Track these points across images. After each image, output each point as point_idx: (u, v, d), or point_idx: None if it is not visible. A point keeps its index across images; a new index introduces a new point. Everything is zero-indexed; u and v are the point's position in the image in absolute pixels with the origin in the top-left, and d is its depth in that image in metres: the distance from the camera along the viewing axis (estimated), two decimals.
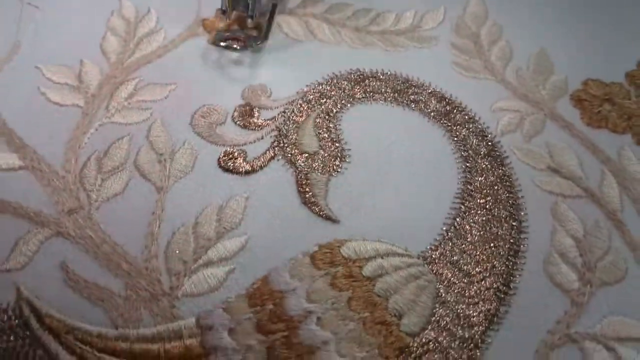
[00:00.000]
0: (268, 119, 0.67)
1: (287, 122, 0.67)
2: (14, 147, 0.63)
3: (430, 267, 0.57)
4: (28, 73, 0.69)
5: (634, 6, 0.86)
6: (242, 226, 0.58)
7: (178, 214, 0.59)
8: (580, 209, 0.62)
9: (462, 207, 0.61)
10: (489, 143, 0.67)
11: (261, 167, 0.63)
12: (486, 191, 0.62)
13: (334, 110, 0.69)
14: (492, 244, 0.58)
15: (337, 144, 0.66)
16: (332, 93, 0.70)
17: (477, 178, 0.63)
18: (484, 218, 0.60)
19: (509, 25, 0.80)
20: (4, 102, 0.67)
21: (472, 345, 0.53)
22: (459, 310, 0.55)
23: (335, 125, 0.67)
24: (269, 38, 0.76)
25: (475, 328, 0.54)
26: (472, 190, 0.62)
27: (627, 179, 0.65)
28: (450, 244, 0.58)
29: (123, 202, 0.59)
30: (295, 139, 0.66)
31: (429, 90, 0.71)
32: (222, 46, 0.74)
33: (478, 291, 0.55)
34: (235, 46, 0.74)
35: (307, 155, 0.64)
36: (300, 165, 0.64)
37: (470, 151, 0.66)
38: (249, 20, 0.73)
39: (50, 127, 0.64)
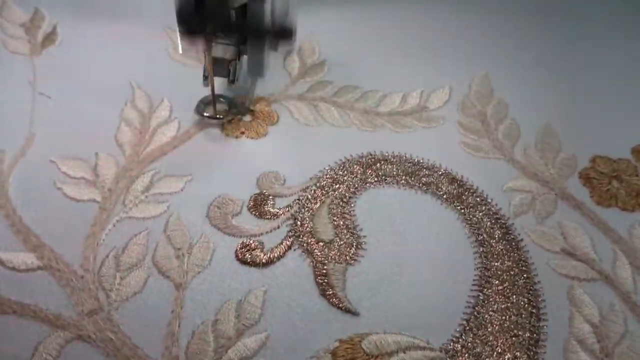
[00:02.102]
0: (283, 207, 0.68)
1: (302, 209, 0.68)
2: (30, 245, 0.63)
3: None
4: (43, 167, 0.70)
5: (637, 82, 0.89)
6: (261, 322, 0.58)
7: (197, 311, 0.59)
8: (595, 292, 0.62)
9: (481, 294, 0.61)
10: (503, 226, 0.67)
11: (278, 258, 0.64)
12: (503, 277, 0.63)
13: (348, 196, 0.70)
14: (512, 334, 0.58)
15: (352, 231, 0.66)
16: (345, 178, 0.71)
17: (493, 263, 0.64)
18: (503, 306, 0.60)
19: (515, 103, 0.82)
20: (20, 199, 0.67)
21: None
22: None
23: (350, 211, 0.68)
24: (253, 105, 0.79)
25: None
26: (489, 277, 0.63)
27: (639, 258, 0.65)
28: (471, 335, 0.58)
29: (142, 301, 0.59)
30: (311, 227, 0.66)
31: (440, 172, 0.72)
32: (205, 116, 0.76)
33: None
34: (219, 116, 0.76)
35: (323, 243, 0.65)
36: (317, 254, 0.64)
37: (484, 235, 0.66)
38: (230, 85, 0.75)
39: (68, 224, 0.65)
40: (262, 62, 0.72)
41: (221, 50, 0.72)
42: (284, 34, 0.70)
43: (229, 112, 0.77)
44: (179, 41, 0.69)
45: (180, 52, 0.77)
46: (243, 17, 0.68)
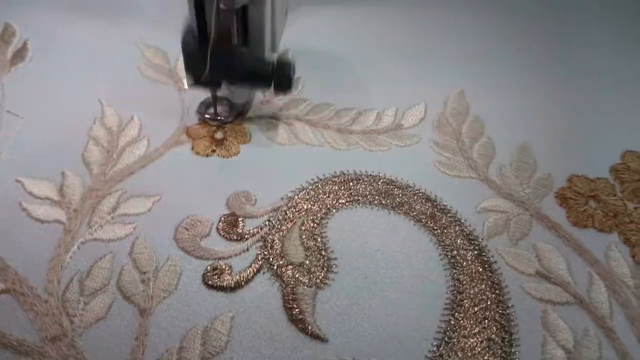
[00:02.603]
0: (253, 228, 0.67)
1: (273, 230, 0.67)
2: None
3: None
4: (9, 187, 0.69)
5: (616, 95, 0.88)
6: (227, 350, 0.57)
7: (162, 338, 0.57)
8: (569, 316, 0.61)
9: (452, 319, 0.60)
10: (477, 247, 0.66)
11: (247, 282, 0.62)
12: (476, 300, 0.61)
13: (320, 216, 0.68)
14: (484, 359, 0.58)
15: (323, 253, 0.65)
16: (317, 198, 0.70)
17: (465, 286, 0.63)
18: (474, 331, 0.59)
19: (491, 120, 0.82)
20: None
21: None
22: None
23: (321, 233, 0.67)
24: (252, 106, 0.80)
25: None
26: (461, 300, 0.61)
27: (616, 282, 0.64)
28: None
29: (106, 327, 0.58)
30: (281, 249, 0.65)
31: (414, 191, 0.71)
32: (207, 118, 0.77)
33: None
34: (220, 117, 0.76)
35: (293, 266, 0.64)
36: (287, 278, 0.63)
37: (458, 257, 0.65)
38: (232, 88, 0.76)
39: (33, 245, 0.63)
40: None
41: None
42: (283, 84, 0.71)
43: (230, 113, 0.77)
44: (185, 79, 0.72)
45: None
46: (244, 21, 0.68)
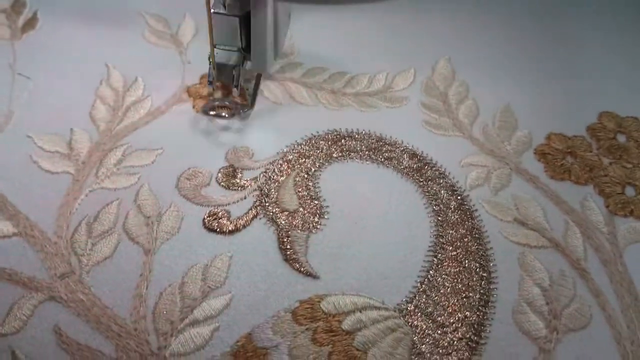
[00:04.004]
0: (250, 179, 0.71)
1: (269, 181, 0.71)
2: (7, 214, 0.66)
3: (406, 319, 0.60)
4: (20, 142, 0.73)
5: (594, 61, 0.93)
6: (226, 284, 0.61)
7: (165, 274, 0.62)
8: (546, 258, 0.66)
9: (435, 259, 0.64)
10: (459, 197, 0.70)
11: (244, 226, 0.67)
12: (457, 243, 0.66)
13: (313, 169, 0.73)
14: (463, 295, 0.62)
15: (316, 201, 0.69)
16: (311, 153, 0.74)
17: (448, 231, 0.67)
18: (455, 270, 0.64)
19: (475, 84, 0.86)
20: None
21: None
22: None
23: (314, 184, 0.71)
24: (255, 105, 0.81)
25: None
26: (443, 243, 0.66)
27: (590, 229, 0.69)
28: (424, 296, 0.61)
29: (112, 265, 0.62)
30: (277, 197, 0.69)
31: (402, 148, 0.76)
32: (211, 115, 0.79)
33: (451, 342, 0.58)
34: (224, 114, 0.79)
35: (287, 213, 0.68)
36: (282, 223, 0.67)
37: (441, 205, 0.70)
38: (234, 90, 0.77)
39: (43, 194, 0.68)
40: (265, 60, 0.76)
41: (225, 56, 0.75)
42: None
43: (233, 111, 0.79)
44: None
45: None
46: (247, 26, 0.71)
